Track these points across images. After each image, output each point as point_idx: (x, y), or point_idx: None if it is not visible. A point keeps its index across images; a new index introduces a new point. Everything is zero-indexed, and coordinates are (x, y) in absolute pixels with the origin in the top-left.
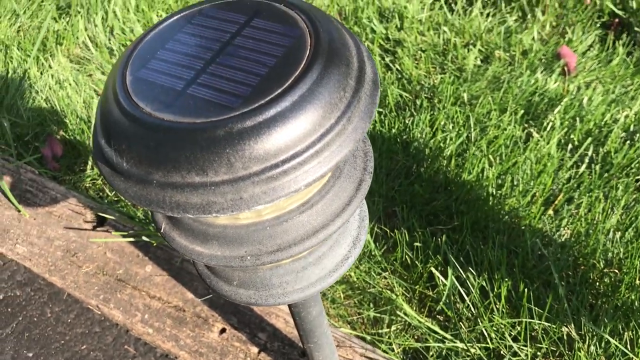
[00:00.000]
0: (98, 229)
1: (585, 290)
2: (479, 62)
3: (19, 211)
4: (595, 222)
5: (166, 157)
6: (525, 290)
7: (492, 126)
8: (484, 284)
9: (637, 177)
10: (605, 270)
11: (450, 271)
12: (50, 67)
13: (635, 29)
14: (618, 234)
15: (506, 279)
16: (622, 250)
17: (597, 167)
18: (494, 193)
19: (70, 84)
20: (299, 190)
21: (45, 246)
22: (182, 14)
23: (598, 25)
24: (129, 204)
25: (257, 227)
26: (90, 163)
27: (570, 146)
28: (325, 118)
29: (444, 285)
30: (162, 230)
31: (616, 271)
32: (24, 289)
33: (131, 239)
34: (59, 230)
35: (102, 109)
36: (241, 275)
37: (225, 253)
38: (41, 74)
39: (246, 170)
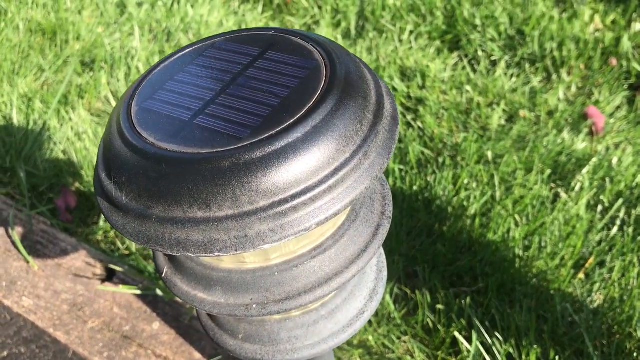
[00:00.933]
0: (107, 282)
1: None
2: (503, 122)
3: (28, 262)
4: (629, 287)
5: (167, 189)
6: (556, 358)
7: (517, 185)
8: (511, 350)
9: None
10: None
11: (475, 336)
12: (70, 119)
13: None
14: None
15: (535, 346)
16: None
17: (630, 230)
18: (521, 255)
19: (89, 136)
20: (309, 229)
21: (51, 299)
22: (194, 47)
23: (625, 86)
24: (140, 257)
25: (264, 272)
26: (103, 216)
27: (600, 208)
28: (340, 151)
29: (468, 351)
30: (163, 275)
31: None
32: (29, 345)
33: (139, 292)
34: (66, 283)
35: (105, 142)
36: (247, 327)
37: (230, 301)
38: (61, 125)
39: (252, 205)
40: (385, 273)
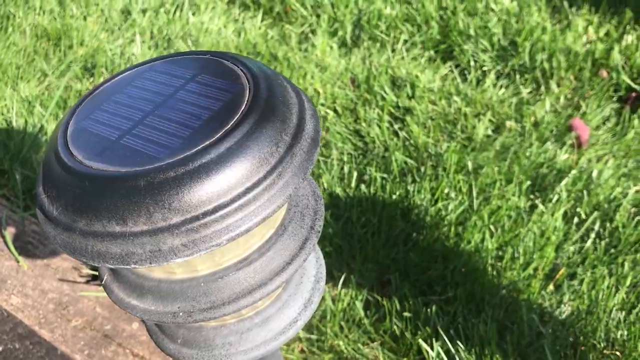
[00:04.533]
0: (92, 282)
1: None
2: (489, 132)
3: (18, 262)
4: (598, 300)
5: (89, 205)
6: None
7: (495, 196)
8: (472, 359)
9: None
10: (606, 351)
11: (436, 344)
12: None
13: None
14: (622, 314)
15: (497, 356)
16: (625, 331)
17: (603, 243)
18: (494, 264)
19: None
20: (221, 244)
21: (38, 298)
22: (134, 69)
23: (614, 99)
24: None
25: (191, 282)
26: None
27: (576, 220)
28: (253, 172)
29: (433, 359)
30: (103, 282)
31: (618, 353)
32: (24, 342)
33: None
34: (53, 282)
35: (43, 157)
36: (185, 333)
37: (159, 308)
38: None
39: (166, 221)
40: (322, 284)
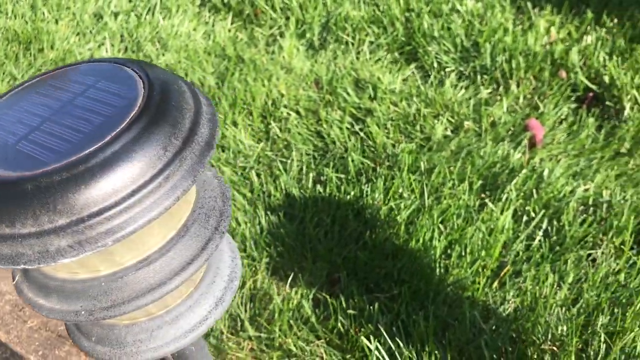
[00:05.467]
0: None
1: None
2: (449, 132)
3: None
4: (540, 297)
5: None
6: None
7: (446, 196)
8: (411, 355)
9: (589, 252)
10: (544, 346)
11: (374, 341)
12: None
13: (607, 103)
14: (562, 310)
15: (436, 352)
16: (565, 327)
17: (549, 240)
18: (441, 262)
19: None
20: (106, 245)
21: None
22: (42, 76)
23: (573, 99)
24: None
25: (93, 282)
26: None
27: (525, 218)
28: (139, 175)
29: (376, 356)
30: (14, 282)
31: (555, 348)
32: None
33: None
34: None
35: None
36: (99, 331)
37: (63, 307)
38: None
39: (52, 223)
40: (236, 283)
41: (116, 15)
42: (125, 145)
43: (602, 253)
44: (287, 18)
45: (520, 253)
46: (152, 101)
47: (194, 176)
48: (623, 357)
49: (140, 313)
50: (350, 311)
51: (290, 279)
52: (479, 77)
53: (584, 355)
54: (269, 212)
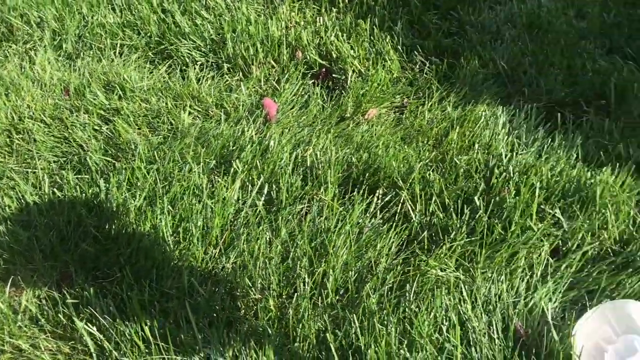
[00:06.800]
0: None
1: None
2: (198, 121)
3: None
4: (257, 255)
5: None
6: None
7: (177, 179)
8: (122, 328)
9: (302, 207)
10: (254, 296)
11: (81, 323)
12: None
13: (335, 75)
14: (272, 262)
15: (145, 320)
16: (277, 277)
17: (261, 203)
18: (169, 241)
19: None
20: None
21: None
22: None
23: (309, 75)
24: None
25: None
26: None
27: (250, 187)
28: None
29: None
30: None
31: (260, 296)
32: None
33: None
34: None
35: None
36: None
37: None
38: None
39: None
40: None
41: None
42: None
43: (314, 206)
44: (43, 31)
45: (245, 218)
46: None
47: None
48: (325, 292)
49: None
50: (69, 300)
51: (19, 283)
52: (225, 66)
53: (286, 300)
54: (2, 224)
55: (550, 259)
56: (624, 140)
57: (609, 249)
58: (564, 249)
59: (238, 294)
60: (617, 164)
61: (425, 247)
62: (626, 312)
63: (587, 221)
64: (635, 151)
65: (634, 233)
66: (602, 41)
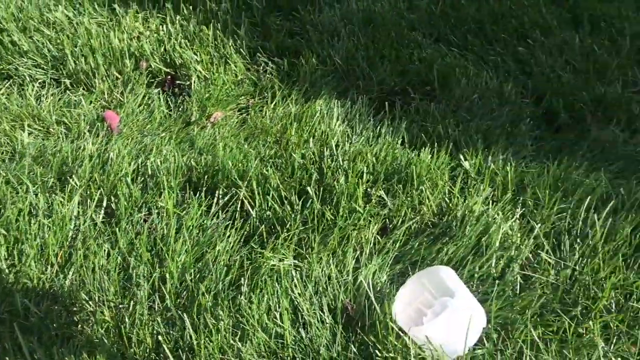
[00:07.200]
0: None
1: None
2: (40, 140)
3: None
4: (95, 267)
5: None
6: None
7: (11, 202)
8: None
9: (140, 216)
10: (89, 307)
11: None
12: None
13: (179, 82)
14: (109, 274)
15: None
16: (113, 288)
17: (100, 217)
18: (2, 266)
19: None
20: None
21: None
22: None
23: (155, 84)
24: None
25: None
26: None
27: (89, 201)
28: None
29: None
30: None
31: (95, 307)
32: None
33: None
34: None
35: None
36: None
37: None
38: None
39: None
40: None
41: None
42: None
43: (157, 214)
44: None
45: (82, 234)
46: None
47: None
48: (162, 297)
49: None
50: None
51: None
52: (67, 82)
53: (123, 309)
54: None
55: (379, 237)
56: (443, 122)
57: (429, 222)
58: (390, 226)
59: (75, 309)
60: (437, 144)
61: (265, 240)
62: (440, 277)
63: (409, 199)
64: (453, 130)
65: (450, 205)
66: (430, 31)
